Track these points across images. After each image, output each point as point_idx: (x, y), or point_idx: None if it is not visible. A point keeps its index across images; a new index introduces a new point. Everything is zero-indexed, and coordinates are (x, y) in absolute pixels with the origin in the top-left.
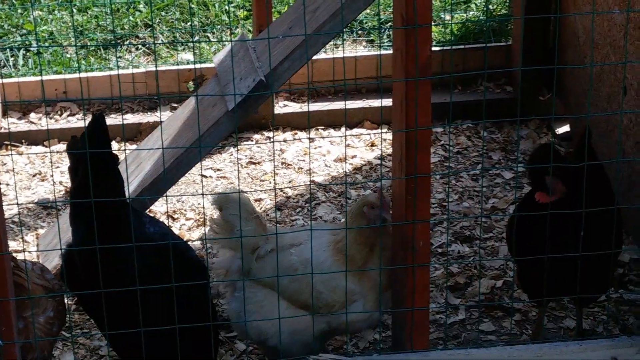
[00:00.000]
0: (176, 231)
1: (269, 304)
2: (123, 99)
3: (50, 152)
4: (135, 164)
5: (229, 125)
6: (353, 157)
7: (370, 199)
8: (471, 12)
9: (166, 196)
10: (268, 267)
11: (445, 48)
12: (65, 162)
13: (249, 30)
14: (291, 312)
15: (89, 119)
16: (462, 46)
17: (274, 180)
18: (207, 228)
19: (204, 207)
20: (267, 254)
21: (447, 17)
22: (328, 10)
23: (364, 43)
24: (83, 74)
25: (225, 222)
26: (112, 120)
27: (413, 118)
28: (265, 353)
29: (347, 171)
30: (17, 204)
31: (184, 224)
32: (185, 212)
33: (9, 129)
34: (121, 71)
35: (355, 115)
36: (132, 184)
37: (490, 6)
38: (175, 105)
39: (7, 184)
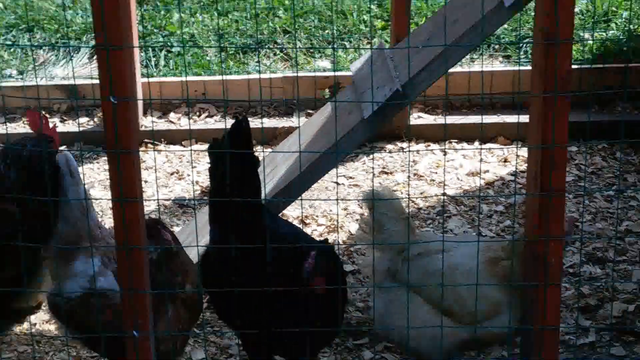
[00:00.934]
0: None
1: (413, 307)
2: (263, 103)
3: (191, 151)
4: (270, 167)
5: (363, 133)
6: (485, 172)
7: None
8: (611, 32)
9: (301, 199)
10: (414, 270)
11: (583, 67)
12: (202, 163)
13: (386, 41)
14: (433, 316)
15: (228, 121)
16: (601, 65)
17: (408, 191)
18: (339, 234)
19: (337, 215)
20: (415, 257)
21: (587, 35)
22: (467, 23)
23: (500, 58)
24: (221, 77)
25: (374, 222)
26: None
27: (550, 134)
28: (405, 354)
29: (480, 185)
30: (157, 199)
31: (315, 230)
32: (317, 217)
33: (152, 126)
34: (261, 75)
35: (489, 130)
36: (267, 186)
37: (631, 26)
38: (310, 112)
39: (146, 181)
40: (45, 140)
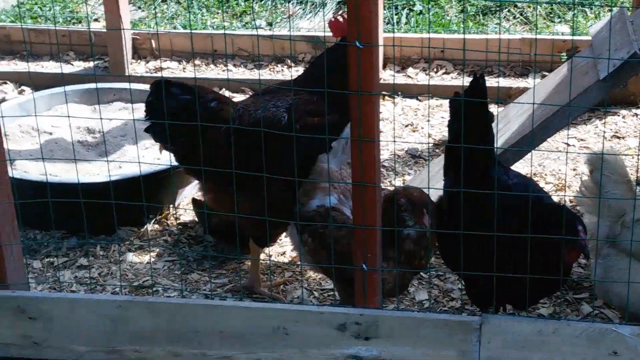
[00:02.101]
0: None
1: (633, 274)
2: (500, 63)
3: (428, 104)
4: (503, 122)
5: (598, 94)
6: None
7: None
8: None
9: (531, 152)
10: (633, 237)
11: None
12: (436, 117)
13: (628, 8)
14: None
15: (466, 78)
16: None
17: (639, 155)
18: (566, 193)
19: (565, 174)
20: (635, 223)
21: None
22: None
23: None
24: (461, 35)
25: (595, 184)
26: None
27: None
28: (624, 317)
29: None
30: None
31: (543, 187)
32: (545, 176)
33: (393, 79)
34: (497, 36)
35: None
36: (498, 141)
37: None
38: (545, 73)
39: (382, 132)
40: None
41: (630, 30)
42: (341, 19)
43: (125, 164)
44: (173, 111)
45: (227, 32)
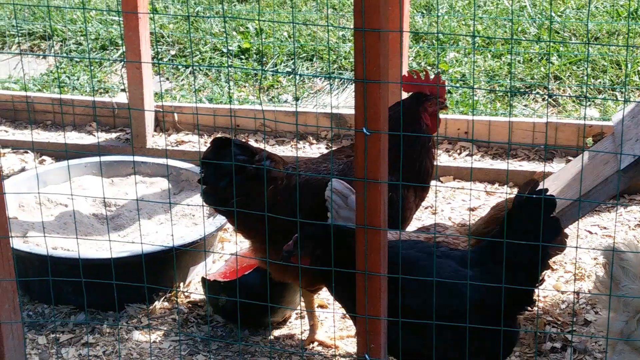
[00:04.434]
0: (552, 282)
1: None
2: (525, 146)
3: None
4: None
5: (617, 184)
6: None
7: None
8: None
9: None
10: None
11: None
12: (457, 199)
13: None
14: None
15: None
16: None
17: None
18: (586, 283)
19: (576, 260)
20: None
21: None
22: None
23: None
24: (487, 117)
25: (611, 277)
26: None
27: None
28: None
29: None
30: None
31: (562, 276)
32: (566, 264)
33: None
34: (524, 119)
35: None
36: None
37: None
38: (571, 158)
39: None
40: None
41: None
42: (415, 76)
43: (139, 239)
44: (229, 171)
45: (249, 107)
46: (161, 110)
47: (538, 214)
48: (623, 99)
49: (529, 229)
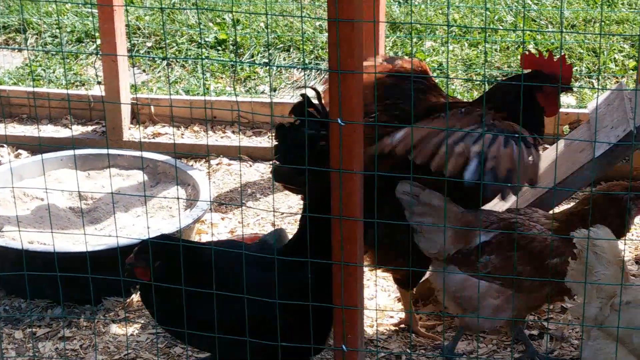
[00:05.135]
0: None
1: (621, 357)
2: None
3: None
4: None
5: (593, 172)
6: None
7: None
8: None
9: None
10: (621, 321)
11: None
12: None
13: (634, 81)
14: None
15: None
16: None
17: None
18: None
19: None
20: (623, 306)
21: None
22: None
23: None
24: None
25: (583, 264)
26: None
27: None
28: None
29: None
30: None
31: None
32: None
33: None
34: None
35: None
36: None
37: None
38: (547, 146)
39: None
40: None
41: (628, 108)
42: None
43: (115, 232)
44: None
45: (226, 98)
46: (137, 102)
47: None
48: (599, 87)
49: None
